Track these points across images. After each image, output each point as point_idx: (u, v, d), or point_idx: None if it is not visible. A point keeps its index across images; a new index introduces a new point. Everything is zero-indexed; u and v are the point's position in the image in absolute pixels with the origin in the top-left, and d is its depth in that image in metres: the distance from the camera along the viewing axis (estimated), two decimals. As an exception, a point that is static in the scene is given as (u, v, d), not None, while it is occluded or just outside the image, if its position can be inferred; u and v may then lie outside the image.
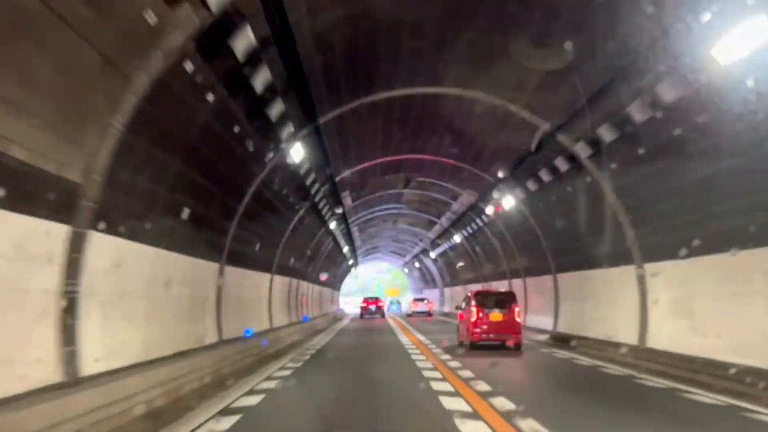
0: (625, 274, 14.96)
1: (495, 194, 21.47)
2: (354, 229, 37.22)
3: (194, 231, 11.48)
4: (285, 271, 23.76)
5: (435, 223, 37.09)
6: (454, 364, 12.97)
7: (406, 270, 73.21)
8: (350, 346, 19.89)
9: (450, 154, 20.62)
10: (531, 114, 14.75)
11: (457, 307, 19.99)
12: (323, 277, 38.48)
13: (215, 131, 10.50)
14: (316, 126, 14.16)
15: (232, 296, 15.18)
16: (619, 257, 15.20)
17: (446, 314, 44.07)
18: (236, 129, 11.12)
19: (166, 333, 10.33)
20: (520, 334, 16.65)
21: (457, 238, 33.95)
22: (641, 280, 14.30)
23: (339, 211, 26.08)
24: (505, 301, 17.00)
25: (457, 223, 31.44)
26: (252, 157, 12.98)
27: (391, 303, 63.42)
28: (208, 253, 12.62)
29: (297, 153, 13.97)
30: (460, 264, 40.70)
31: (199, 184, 10.99)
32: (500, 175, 19.71)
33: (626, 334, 14.79)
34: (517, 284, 26.89)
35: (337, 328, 31.07)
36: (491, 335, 16.28)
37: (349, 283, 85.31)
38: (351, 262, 51.29)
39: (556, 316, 20.90)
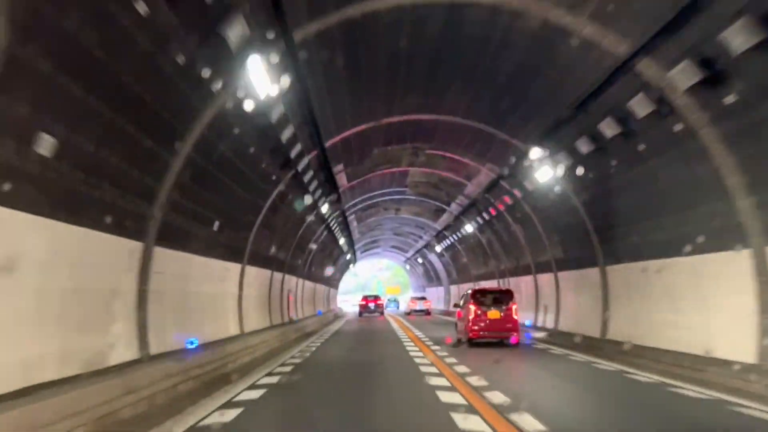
0: (731, 261, 10.49)
1: (526, 166, 16.98)
2: (351, 218, 32.76)
3: (77, 183, 6.99)
4: (264, 261, 19.29)
5: (443, 211, 32.61)
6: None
7: (408, 267, 69.15)
8: (342, 358, 15.42)
9: (472, 111, 16.12)
10: (600, 30, 10.23)
11: (456, 305, 19.98)
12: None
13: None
14: (288, 44, 9.65)
15: (170, 291, 10.72)
16: (721, 238, 10.73)
17: (450, 313, 39.64)
18: (142, 8, 6.61)
19: (6, 354, 5.85)
20: (518, 331, 16.82)
21: (468, 228, 29.42)
22: (762, 269, 9.83)
23: (331, 190, 21.61)
24: (503, 299, 17.01)
25: (471, 209, 26.91)
26: (185, 76, 8.47)
27: (389, 301, 61.56)
28: (116, 223, 8.12)
29: (262, 84, 9.50)
30: (465, 260, 36.26)
31: (80, 101, 6.50)
32: (536, 137, 15.21)
33: (732, 347, 10.32)
34: (545, 280, 22.44)
35: (332, 330, 26.62)
36: (489, 333, 16.41)
37: (348, 280, 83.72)
38: (349, 257, 47.03)
39: (604, 320, 16.40)
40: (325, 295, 44.54)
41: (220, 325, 14.14)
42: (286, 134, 12.73)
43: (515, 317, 16.71)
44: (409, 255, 60.01)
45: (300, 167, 15.60)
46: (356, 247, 47.68)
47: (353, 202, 28.58)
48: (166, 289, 10.46)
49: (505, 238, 26.20)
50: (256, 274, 18.25)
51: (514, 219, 23.16)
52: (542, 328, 21.60)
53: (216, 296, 14.01)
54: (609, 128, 12.17)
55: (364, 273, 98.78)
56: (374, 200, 30.70)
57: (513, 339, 16.59)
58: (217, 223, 12.83)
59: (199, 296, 12.57)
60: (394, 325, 28.99)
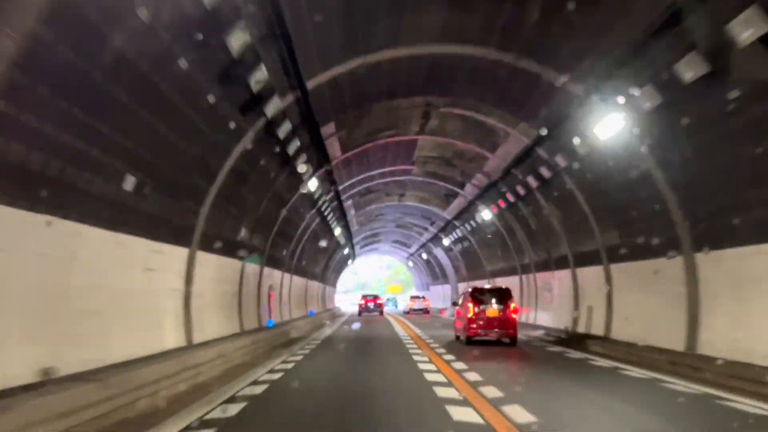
0: None
1: (580, 117, 12.47)
2: (348, 204, 28.27)
3: None
4: (230, 248, 14.80)
5: (455, 196, 28.09)
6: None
7: (411, 263, 64.67)
8: (328, 381, 10.93)
9: (510, 37, 11.58)
10: None
11: (454, 303, 20.56)
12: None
13: None
14: None
15: (24, 283, 6.23)
16: None
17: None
18: None
19: None
20: (516, 329, 16.87)
21: (485, 215, 24.80)
22: None
23: (320, 161, 17.11)
24: (501, 297, 17.10)
25: (490, 191, 22.37)
26: None
27: (388, 300, 60.75)
28: None
29: None
30: (478, 253, 31.68)
31: None
32: (605, 68, 10.68)
33: None
34: (589, 275, 17.90)
35: (324, 335, 22.08)
36: (487, 331, 16.58)
37: (347, 279, 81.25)
38: (347, 251, 42.63)
39: (692, 329, 11.86)
40: (319, 294, 40.09)
41: (147, 337, 9.60)
42: (239, 42, 8.18)
43: (513, 316, 16.86)
44: (412, 250, 55.67)
45: (271, 112, 11.06)
46: (355, 240, 43.34)
47: (350, 182, 24.08)
48: (9, 278, 5.96)
49: (533, 224, 21.68)
50: (217, 265, 13.75)
51: (549, 199, 18.64)
52: (587, 335, 17.10)
53: (139, 293, 9.47)
54: (747, 27, 7.65)
55: (364, 271, 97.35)
56: (374, 181, 26.17)
57: (509, 337, 16.75)
58: (132, 180, 8.30)
59: (101, 292, 8.05)
60: (398, 328, 24.52)
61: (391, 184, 27.52)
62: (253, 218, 15.96)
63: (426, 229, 41.20)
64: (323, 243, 31.19)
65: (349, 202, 28.45)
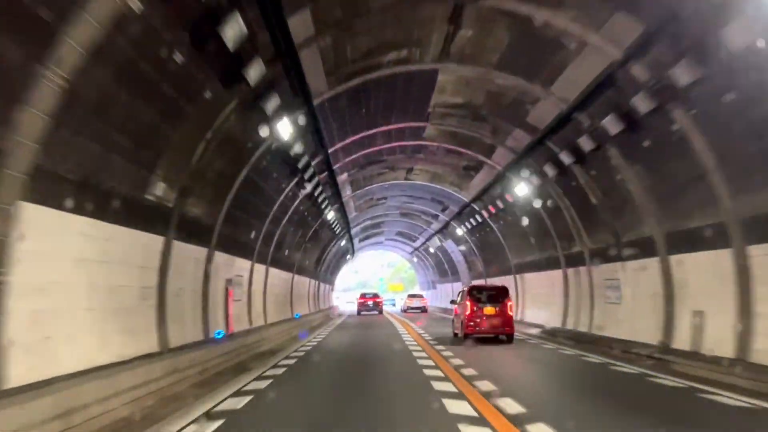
0: None
1: None
2: (343, 178, 22.36)
3: None
4: (128, 211, 8.91)
5: (479, 168, 22.15)
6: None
7: (416, 259, 58.79)
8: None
9: None
10: None
11: (453, 302, 21.11)
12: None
13: None
14: None
15: None
16: None
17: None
18: None
19: None
20: (513, 327, 17.16)
21: (520, 190, 18.65)
22: None
23: (294, 87, 11.15)
24: (498, 295, 17.41)
25: (532, 154, 16.38)
26: None
27: (386, 299, 59.72)
28: None
29: None
30: (503, 244, 25.43)
31: None
32: None
33: None
34: (697, 264, 11.91)
35: (307, 346, 16.16)
36: (484, 328, 16.88)
37: (348, 277, 77.49)
38: (344, 243, 36.86)
39: None
40: (310, 292, 34.10)
41: None
42: None
43: (510, 313, 17.09)
44: (417, 244, 49.79)
45: None
46: (353, 231, 37.52)
47: (343, 143, 18.15)
48: None
49: (594, 197, 15.74)
50: (96, 237, 7.82)
51: (632, 154, 12.72)
52: (696, 356, 11.21)
53: None
54: None
55: (365, 269, 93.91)
56: (376, 146, 20.22)
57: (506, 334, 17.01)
58: None
59: None
60: (406, 337, 18.63)
61: (397, 152, 21.57)
62: (184, 168, 10.05)
63: (436, 217, 35.27)
64: (313, 228, 25.31)
65: (345, 175, 22.56)
